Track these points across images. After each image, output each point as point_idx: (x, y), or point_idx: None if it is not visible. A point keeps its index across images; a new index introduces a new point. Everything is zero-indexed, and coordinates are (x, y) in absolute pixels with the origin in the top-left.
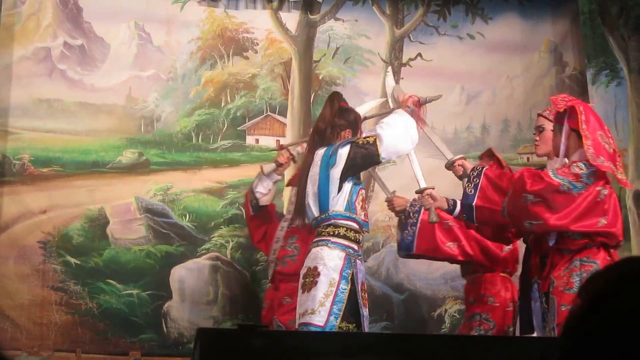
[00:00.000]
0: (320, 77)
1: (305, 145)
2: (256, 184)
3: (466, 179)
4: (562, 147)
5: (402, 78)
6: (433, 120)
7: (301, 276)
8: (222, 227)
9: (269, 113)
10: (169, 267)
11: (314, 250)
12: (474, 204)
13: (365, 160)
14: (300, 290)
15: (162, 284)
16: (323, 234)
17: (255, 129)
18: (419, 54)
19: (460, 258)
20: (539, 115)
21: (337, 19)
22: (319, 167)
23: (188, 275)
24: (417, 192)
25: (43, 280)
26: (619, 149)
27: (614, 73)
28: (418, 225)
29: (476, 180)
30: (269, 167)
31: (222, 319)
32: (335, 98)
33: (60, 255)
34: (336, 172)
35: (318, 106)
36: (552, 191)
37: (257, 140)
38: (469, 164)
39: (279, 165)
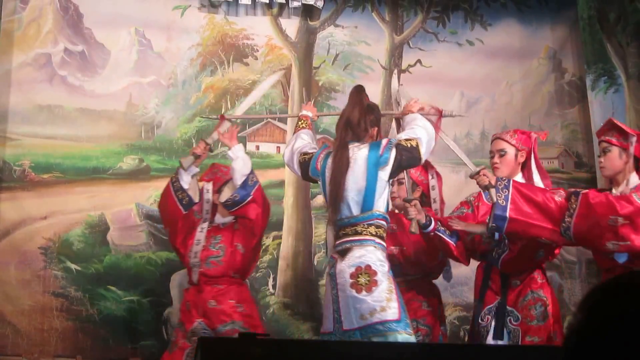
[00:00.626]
0: (320, 84)
1: (224, 126)
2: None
3: (494, 190)
4: (628, 169)
5: (402, 84)
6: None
7: (348, 276)
8: None
9: (269, 120)
10: (170, 274)
11: (358, 250)
12: (507, 214)
13: (409, 163)
14: (352, 291)
15: (162, 291)
16: (364, 233)
17: (255, 135)
18: (419, 61)
19: (401, 262)
20: (499, 138)
21: (336, 26)
22: (365, 166)
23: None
24: (404, 201)
25: (44, 286)
26: None
27: (612, 80)
28: None
29: (505, 191)
30: (188, 160)
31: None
32: (363, 92)
33: (60, 261)
34: (384, 174)
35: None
36: (639, 214)
37: (257, 147)
38: (492, 175)
39: (197, 157)
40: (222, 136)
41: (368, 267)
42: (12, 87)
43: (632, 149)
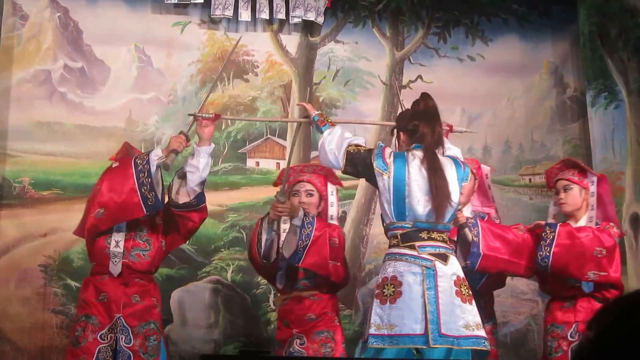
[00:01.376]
0: (321, 100)
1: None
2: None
3: (467, 229)
4: (584, 207)
5: (402, 100)
6: None
7: (452, 283)
8: (223, 250)
9: (269, 136)
10: (170, 291)
11: (452, 258)
12: (481, 251)
13: None
14: (458, 299)
15: (162, 308)
16: (449, 242)
17: (255, 151)
18: (419, 76)
19: (332, 278)
20: None
21: (337, 42)
22: (457, 179)
23: (189, 298)
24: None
25: (44, 304)
26: (616, 172)
27: (613, 95)
28: (311, 238)
29: (476, 229)
30: (171, 158)
31: (223, 342)
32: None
33: (60, 278)
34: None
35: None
36: (614, 247)
37: (257, 163)
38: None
39: (177, 153)
40: (201, 128)
41: (464, 279)
42: (11, 103)
43: (593, 188)
